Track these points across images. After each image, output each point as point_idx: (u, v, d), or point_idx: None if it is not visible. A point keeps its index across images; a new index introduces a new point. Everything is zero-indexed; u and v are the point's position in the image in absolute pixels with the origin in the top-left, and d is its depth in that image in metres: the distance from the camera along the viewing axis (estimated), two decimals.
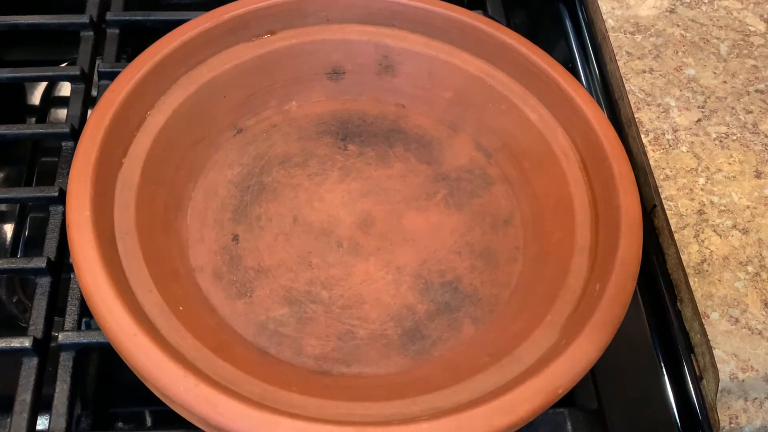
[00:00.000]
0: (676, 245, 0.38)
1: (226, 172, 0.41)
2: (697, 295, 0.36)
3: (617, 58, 0.46)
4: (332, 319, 0.37)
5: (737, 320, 0.36)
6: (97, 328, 0.33)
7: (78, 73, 0.44)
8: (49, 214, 0.39)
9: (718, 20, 0.48)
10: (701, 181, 0.40)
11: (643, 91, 0.44)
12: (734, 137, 0.42)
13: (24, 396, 0.33)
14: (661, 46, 0.46)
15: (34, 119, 0.52)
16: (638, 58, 0.46)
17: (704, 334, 0.35)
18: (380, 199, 0.41)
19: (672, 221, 0.39)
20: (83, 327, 0.37)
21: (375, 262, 0.39)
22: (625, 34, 0.47)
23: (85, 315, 0.36)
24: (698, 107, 0.43)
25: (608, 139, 0.38)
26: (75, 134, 0.42)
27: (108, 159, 0.36)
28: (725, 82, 0.45)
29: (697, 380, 0.36)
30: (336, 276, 0.38)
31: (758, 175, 0.41)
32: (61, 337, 0.35)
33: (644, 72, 0.45)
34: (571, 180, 0.39)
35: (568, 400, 0.33)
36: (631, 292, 0.33)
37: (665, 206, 0.39)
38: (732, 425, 0.34)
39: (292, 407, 0.29)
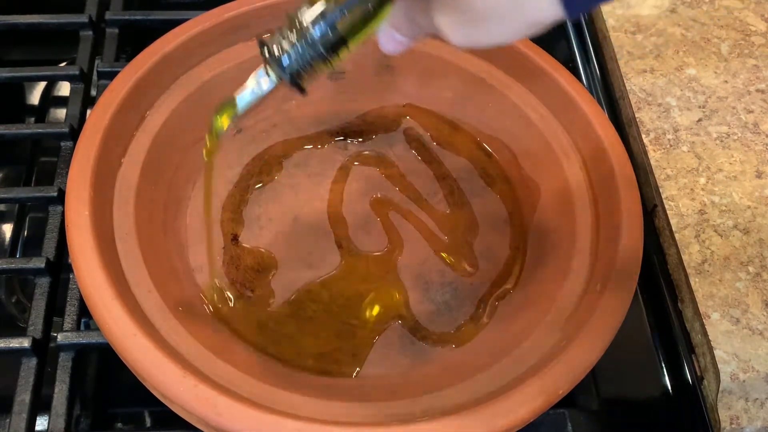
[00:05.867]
0: (676, 245, 0.38)
1: (226, 172, 0.41)
2: (698, 296, 0.36)
3: (618, 57, 0.46)
4: (332, 318, 0.37)
5: (738, 320, 0.36)
6: (97, 329, 0.33)
7: (77, 72, 0.44)
8: (48, 214, 0.39)
9: (719, 20, 0.48)
10: (702, 181, 0.40)
11: (644, 90, 0.44)
12: (735, 137, 0.42)
13: (23, 396, 0.33)
14: (661, 45, 0.46)
15: (33, 119, 0.52)
16: (639, 57, 0.46)
17: (705, 334, 0.35)
18: (380, 199, 0.41)
19: (673, 221, 0.39)
20: (82, 327, 0.37)
21: (375, 261, 0.39)
22: (625, 33, 0.47)
23: (85, 315, 0.36)
24: (699, 107, 0.43)
25: (609, 139, 0.38)
26: (74, 134, 0.42)
27: (107, 159, 0.36)
28: (726, 81, 0.45)
29: (698, 380, 0.36)
30: (336, 276, 0.38)
31: (759, 175, 0.41)
32: (61, 338, 0.35)
33: (645, 72, 0.45)
34: (571, 180, 0.39)
35: (569, 401, 0.33)
36: (631, 292, 0.33)
37: (666, 206, 0.39)
38: (733, 426, 0.33)
39: (292, 407, 0.29)
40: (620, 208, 0.36)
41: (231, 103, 0.27)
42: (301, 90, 0.26)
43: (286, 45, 0.25)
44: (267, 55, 0.25)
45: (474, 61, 0.43)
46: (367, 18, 0.24)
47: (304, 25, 0.24)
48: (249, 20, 0.42)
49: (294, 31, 0.25)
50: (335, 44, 0.25)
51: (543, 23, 0.22)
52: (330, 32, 0.24)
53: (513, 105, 0.42)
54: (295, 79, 0.25)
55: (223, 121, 0.28)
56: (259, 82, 0.26)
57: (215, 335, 0.34)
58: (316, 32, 0.24)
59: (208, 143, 0.30)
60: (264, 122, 0.43)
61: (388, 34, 0.26)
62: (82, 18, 0.46)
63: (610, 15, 0.48)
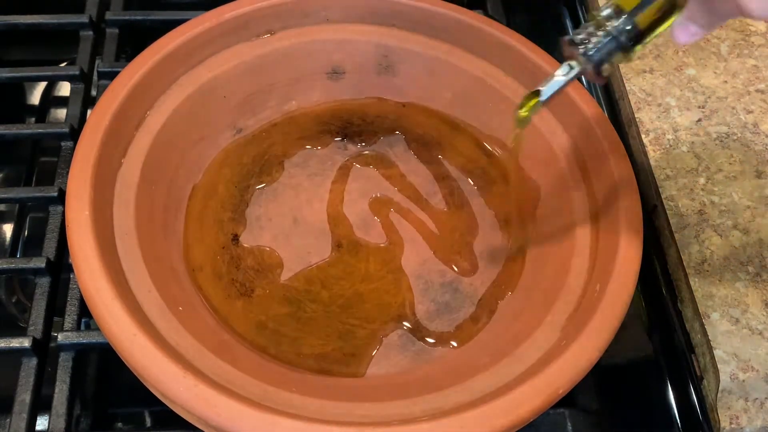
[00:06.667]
0: (676, 245, 0.38)
1: (226, 171, 0.41)
2: (698, 295, 0.36)
3: None
4: (332, 318, 0.37)
5: (738, 320, 0.36)
6: (97, 329, 0.33)
7: (77, 72, 0.44)
8: (48, 214, 0.39)
9: None
10: (702, 181, 0.40)
11: (644, 90, 0.44)
12: (735, 137, 0.42)
13: (23, 396, 0.33)
14: (661, 45, 0.46)
15: (33, 119, 0.52)
16: (639, 57, 0.46)
17: (705, 334, 0.35)
18: (380, 199, 0.41)
19: (672, 221, 0.39)
20: (83, 327, 0.37)
21: (375, 262, 0.39)
22: None
23: (85, 315, 0.36)
24: (699, 107, 0.43)
25: (608, 139, 0.38)
26: (74, 134, 0.42)
27: (107, 159, 0.36)
28: (726, 81, 0.45)
29: (698, 380, 0.36)
30: (336, 276, 0.38)
31: (759, 174, 0.41)
32: (61, 338, 0.35)
33: (645, 72, 0.45)
34: (571, 180, 0.39)
35: (569, 401, 0.33)
36: (631, 292, 0.33)
37: (666, 206, 0.39)
38: (732, 425, 0.34)
39: (292, 407, 0.29)
40: (620, 208, 0.36)
41: (534, 94, 0.32)
42: (601, 76, 0.31)
43: (592, 40, 0.30)
44: (576, 48, 0.30)
45: (474, 61, 0.43)
46: (665, 14, 0.29)
47: (607, 23, 0.29)
48: (249, 20, 0.42)
49: (598, 28, 0.29)
50: (635, 38, 0.29)
51: None
52: (630, 27, 0.29)
53: (513, 105, 0.42)
54: (598, 68, 0.30)
55: (527, 111, 0.33)
56: (565, 73, 0.31)
57: (215, 335, 0.34)
58: (618, 27, 0.29)
59: (515, 133, 0.36)
60: (264, 122, 0.44)
61: (683, 27, 0.29)
62: (82, 18, 0.46)
63: None
